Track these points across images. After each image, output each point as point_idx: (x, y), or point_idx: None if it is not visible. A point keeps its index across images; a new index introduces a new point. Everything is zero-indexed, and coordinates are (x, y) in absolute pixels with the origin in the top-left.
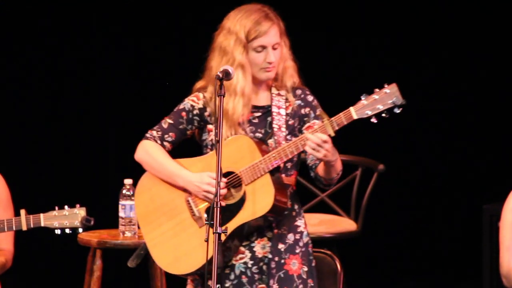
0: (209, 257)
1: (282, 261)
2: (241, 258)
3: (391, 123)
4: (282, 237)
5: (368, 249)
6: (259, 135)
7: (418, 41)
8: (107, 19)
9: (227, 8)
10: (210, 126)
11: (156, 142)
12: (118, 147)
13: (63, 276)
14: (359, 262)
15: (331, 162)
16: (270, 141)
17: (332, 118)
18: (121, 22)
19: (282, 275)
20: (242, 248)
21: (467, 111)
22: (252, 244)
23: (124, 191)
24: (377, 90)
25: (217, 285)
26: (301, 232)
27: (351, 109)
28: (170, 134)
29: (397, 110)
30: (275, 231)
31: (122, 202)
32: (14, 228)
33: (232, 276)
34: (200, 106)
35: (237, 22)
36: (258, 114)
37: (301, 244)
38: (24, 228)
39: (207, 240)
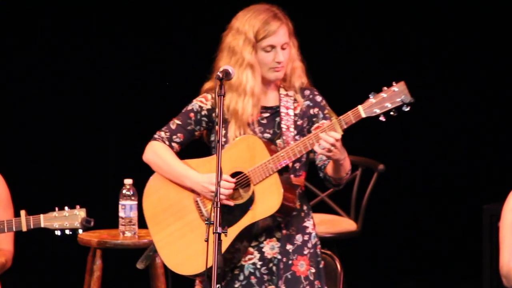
0: (209, 257)
1: (290, 262)
2: (250, 259)
3: (391, 123)
4: (291, 238)
5: (368, 249)
6: (267, 135)
7: (418, 41)
8: (107, 19)
9: (228, 8)
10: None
11: (164, 143)
12: (118, 147)
13: (63, 276)
14: (359, 262)
15: (340, 161)
16: (279, 141)
17: (341, 117)
18: (121, 22)
19: (289, 276)
20: (251, 249)
21: (467, 111)
22: (261, 245)
23: (124, 191)
24: (385, 88)
25: (217, 285)
26: (310, 233)
27: (360, 107)
28: (178, 135)
29: (405, 108)
30: (284, 231)
31: (122, 202)
32: (14, 229)
33: (241, 277)
34: (208, 107)
35: (246, 22)
36: (267, 114)
37: (309, 245)
38: (24, 229)
39: (207, 240)
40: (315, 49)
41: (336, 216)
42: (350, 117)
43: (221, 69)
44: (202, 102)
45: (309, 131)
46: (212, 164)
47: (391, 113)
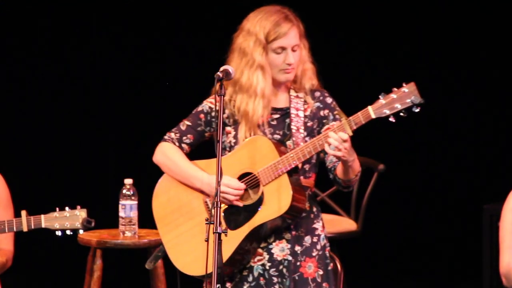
0: (209, 257)
1: (298, 263)
2: (259, 260)
3: (392, 123)
4: (299, 239)
5: (368, 249)
6: (277, 136)
7: (418, 41)
8: (107, 19)
9: (227, 8)
10: (228, 128)
11: (174, 144)
12: (118, 147)
13: (63, 276)
14: (359, 262)
15: (349, 162)
16: (289, 143)
17: (350, 118)
18: (121, 22)
19: (296, 278)
20: (260, 250)
21: (467, 110)
22: (270, 246)
23: (124, 191)
24: (395, 89)
25: (217, 285)
26: (319, 235)
27: (369, 108)
28: (188, 136)
29: (415, 109)
30: (293, 232)
31: (122, 202)
32: (15, 229)
33: (250, 278)
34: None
35: (256, 23)
36: (277, 116)
37: (318, 247)
38: (25, 229)
39: (207, 240)
40: (326, 50)
41: (336, 216)
42: (359, 117)
43: (221, 69)
44: (212, 103)
45: (319, 133)
46: (222, 164)
47: (401, 114)
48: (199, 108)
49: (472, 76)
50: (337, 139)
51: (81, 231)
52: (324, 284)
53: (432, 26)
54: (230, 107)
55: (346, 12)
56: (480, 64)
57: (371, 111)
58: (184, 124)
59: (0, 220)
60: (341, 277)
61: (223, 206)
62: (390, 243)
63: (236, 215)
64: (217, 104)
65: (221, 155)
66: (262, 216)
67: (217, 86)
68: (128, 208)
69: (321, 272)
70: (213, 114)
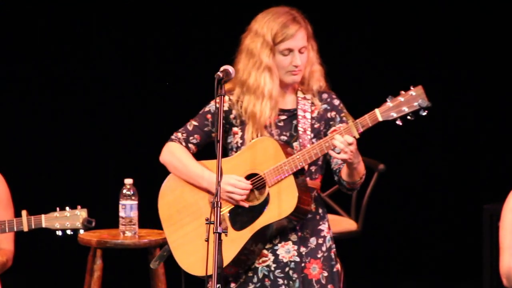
0: (209, 257)
1: (303, 264)
2: (264, 261)
3: (391, 123)
4: (305, 241)
5: (368, 249)
6: (284, 138)
7: (418, 42)
8: (106, 19)
9: (228, 8)
10: (235, 129)
11: (181, 144)
12: (118, 147)
13: (63, 276)
14: (359, 262)
15: (354, 164)
16: (295, 144)
17: (357, 120)
18: (121, 22)
19: (301, 279)
20: (265, 251)
21: (467, 111)
22: (276, 247)
23: (124, 191)
24: (402, 92)
25: (217, 285)
26: (324, 237)
27: (377, 111)
28: (195, 136)
29: (422, 113)
30: (299, 234)
31: (122, 202)
32: (15, 229)
33: (255, 279)
34: (226, 108)
35: (264, 25)
36: (284, 117)
37: (323, 248)
38: (26, 229)
39: (207, 240)
40: (335, 52)
41: (337, 215)
42: (367, 120)
43: (221, 69)
44: (219, 103)
45: (325, 135)
46: (229, 165)
47: (408, 117)
48: (206, 108)
49: (472, 76)
50: (343, 141)
51: (81, 231)
52: (329, 286)
53: (432, 26)
54: (237, 108)
55: (356, 13)
56: (480, 64)
57: (378, 114)
58: (191, 124)
59: (0, 220)
60: (341, 277)
61: (229, 206)
62: (390, 243)
63: (242, 215)
64: (217, 104)
65: (226, 156)
66: (268, 217)
67: (217, 85)
68: (128, 208)
69: (325, 274)
70: None
